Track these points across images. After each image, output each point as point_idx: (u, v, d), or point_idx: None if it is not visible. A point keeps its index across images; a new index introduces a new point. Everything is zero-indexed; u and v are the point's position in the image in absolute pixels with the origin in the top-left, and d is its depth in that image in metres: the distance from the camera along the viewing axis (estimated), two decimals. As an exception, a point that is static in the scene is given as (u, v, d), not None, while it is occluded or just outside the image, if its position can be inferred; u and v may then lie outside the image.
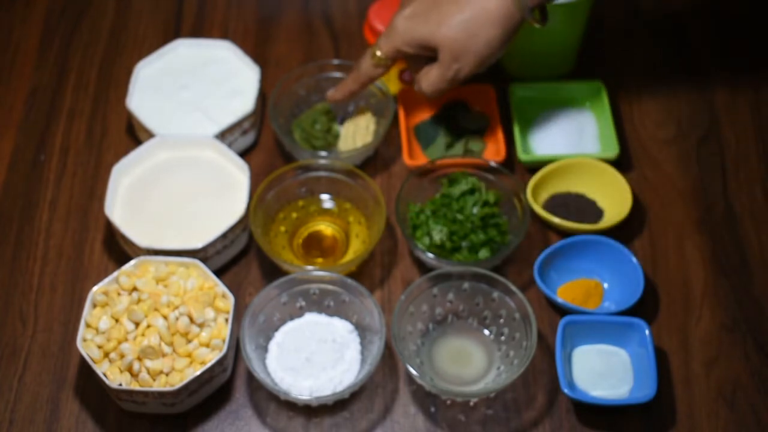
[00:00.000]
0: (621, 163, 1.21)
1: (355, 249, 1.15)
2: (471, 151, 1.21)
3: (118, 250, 1.16)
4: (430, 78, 1.11)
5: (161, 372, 1.01)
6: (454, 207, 1.13)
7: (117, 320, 1.03)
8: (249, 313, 1.05)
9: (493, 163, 1.16)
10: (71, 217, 1.19)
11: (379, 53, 1.12)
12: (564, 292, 1.11)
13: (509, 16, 1.06)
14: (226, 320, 1.04)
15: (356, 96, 1.21)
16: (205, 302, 1.04)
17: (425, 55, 1.11)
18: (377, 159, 1.24)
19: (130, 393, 1.01)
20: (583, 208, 1.18)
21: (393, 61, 1.13)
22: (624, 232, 1.16)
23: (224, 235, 1.11)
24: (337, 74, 1.25)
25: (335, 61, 1.25)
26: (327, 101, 1.21)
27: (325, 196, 1.19)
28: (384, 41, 1.12)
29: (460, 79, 1.10)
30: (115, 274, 1.06)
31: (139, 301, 1.05)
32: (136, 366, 1.01)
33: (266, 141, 1.26)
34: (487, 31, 1.06)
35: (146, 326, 1.03)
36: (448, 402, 1.06)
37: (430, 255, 1.10)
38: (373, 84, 1.23)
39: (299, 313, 1.09)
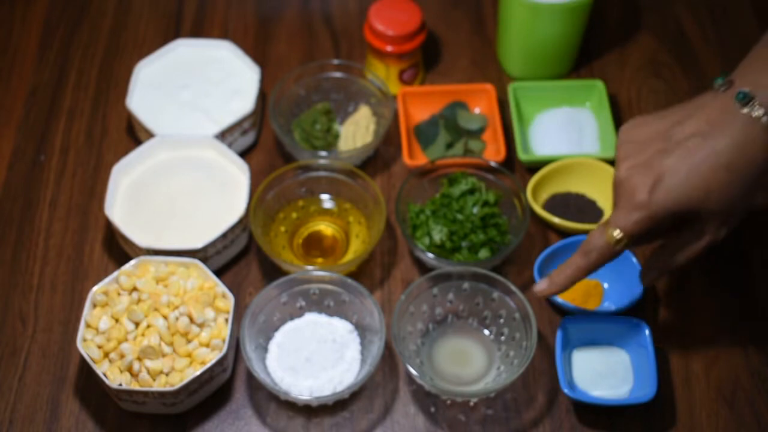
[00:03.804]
0: (621, 163, 1.21)
1: (355, 249, 1.15)
2: (471, 151, 1.21)
3: (118, 250, 1.16)
4: (697, 250, 0.96)
5: (161, 372, 1.01)
6: (454, 207, 1.13)
7: (117, 320, 1.03)
8: (249, 313, 1.05)
9: (493, 163, 1.16)
10: (71, 217, 1.19)
11: (618, 234, 0.93)
12: (564, 292, 1.11)
13: None
14: (226, 320, 1.04)
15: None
16: (205, 302, 1.04)
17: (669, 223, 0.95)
18: (377, 159, 1.24)
19: (130, 393, 1.01)
20: (583, 208, 1.18)
21: (636, 240, 0.95)
22: (624, 232, 1.16)
23: (224, 235, 1.11)
24: (337, 74, 1.25)
25: (335, 61, 1.25)
26: (536, 295, 1.01)
27: (325, 196, 1.19)
28: (625, 218, 0.92)
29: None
30: (115, 274, 1.06)
31: (139, 301, 1.05)
32: (136, 366, 1.01)
33: (266, 141, 1.26)
34: (765, 193, 0.94)
35: (146, 326, 1.03)
36: (448, 402, 1.06)
37: (430, 255, 1.10)
38: (372, 84, 1.23)
39: (299, 313, 1.09)
